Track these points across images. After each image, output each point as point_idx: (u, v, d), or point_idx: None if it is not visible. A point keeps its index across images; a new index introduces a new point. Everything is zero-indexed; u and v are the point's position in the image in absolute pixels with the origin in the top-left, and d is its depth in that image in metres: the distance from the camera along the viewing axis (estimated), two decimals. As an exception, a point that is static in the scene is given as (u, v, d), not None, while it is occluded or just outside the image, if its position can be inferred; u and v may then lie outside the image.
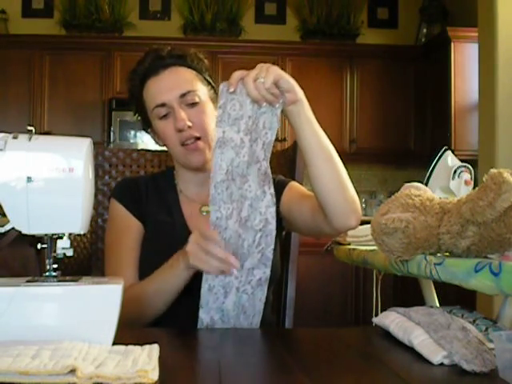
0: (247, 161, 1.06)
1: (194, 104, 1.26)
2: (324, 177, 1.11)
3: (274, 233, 1.10)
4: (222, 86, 1.04)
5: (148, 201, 1.34)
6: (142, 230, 1.31)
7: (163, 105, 1.26)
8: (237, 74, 1.04)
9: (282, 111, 1.08)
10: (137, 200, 1.33)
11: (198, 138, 1.26)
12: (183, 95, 1.25)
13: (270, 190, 1.09)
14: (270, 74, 1.01)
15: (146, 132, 1.39)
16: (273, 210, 1.09)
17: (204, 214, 1.32)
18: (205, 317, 1.09)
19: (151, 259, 1.24)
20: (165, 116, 1.27)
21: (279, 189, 1.28)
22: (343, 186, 1.12)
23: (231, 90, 1.03)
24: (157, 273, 1.18)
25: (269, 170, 1.09)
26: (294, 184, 1.34)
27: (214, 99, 1.30)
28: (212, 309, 1.08)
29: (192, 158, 1.27)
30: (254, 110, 1.04)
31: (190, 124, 1.25)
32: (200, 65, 1.32)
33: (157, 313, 1.18)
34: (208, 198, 1.25)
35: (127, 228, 1.31)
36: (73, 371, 0.67)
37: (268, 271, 1.10)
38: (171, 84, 1.26)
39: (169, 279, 1.15)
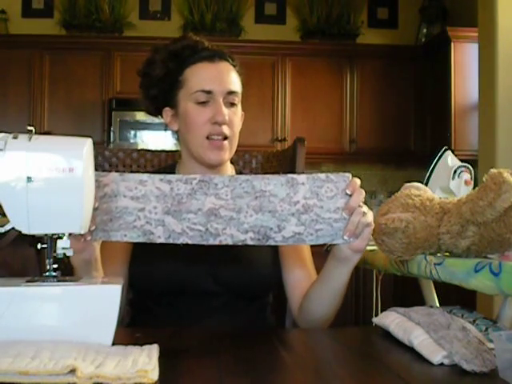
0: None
1: (233, 105, 1.27)
2: (321, 311, 1.17)
3: None
4: (344, 178, 0.99)
5: None
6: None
7: (209, 92, 1.24)
8: (358, 185, 1.00)
9: (334, 248, 1.05)
10: None
11: (226, 138, 1.25)
12: (230, 93, 1.26)
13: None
14: (369, 217, 1.00)
15: (155, 114, 1.35)
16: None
17: None
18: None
19: (149, 258, 1.24)
20: (203, 103, 1.24)
21: None
22: (332, 314, 1.19)
23: (348, 191, 0.98)
24: None
25: None
26: None
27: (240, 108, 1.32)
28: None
29: (212, 154, 1.25)
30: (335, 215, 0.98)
31: (227, 121, 1.24)
32: (242, 76, 1.32)
33: None
34: None
35: None
36: (73, 371, 0.67)
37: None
38: (225, 77, 1.26)
39: None
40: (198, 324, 1.20)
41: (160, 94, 1.30)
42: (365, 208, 1.00)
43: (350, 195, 0.98)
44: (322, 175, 0.98)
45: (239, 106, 1.30)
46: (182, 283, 1.21)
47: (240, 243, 0.98)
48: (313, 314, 1.19)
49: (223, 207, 0.97)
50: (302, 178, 0.98)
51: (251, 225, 0.97)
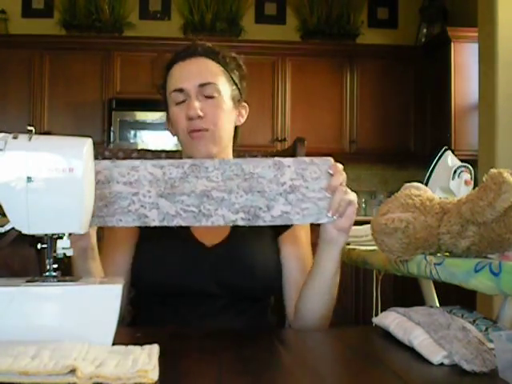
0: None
1: (211, 97, 1.25)
2: (315, 302, 1.17)
3: None
4: (327, 162, 1.04)
5: None
6: (138, 234, 1.28)
7: (181, 90, 1.24)
8: (340, 168, 1.05)
9: (321, 230, 1.09)
10: None
11: (207, 130, 1.24)
12: (203, 85, 1.24)
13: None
14: (351, 195, 1.05)
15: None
16: None
17: None
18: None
19: (152, 257, 1.24)
20: (181, 102, 1.25)
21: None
22: (327, 315, 1.19)
23: (330, 171, 1.04)
24: None
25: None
26: (300, 233, 1.32)
27: (236, 100, 1.30)
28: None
29: (195, 147, 1.25)
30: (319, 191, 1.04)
31: (201, 114, 1.23)
32: (232, 65, 1.30)
33: None
34: None
35: (121, 234, 1.28)
36: (73, 371, 0.67)
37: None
38: (194, 72, 1.25)
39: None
40: (200, 325, 1.20)
41: (164, 102, 1.34)
42: (347, 189, 1.05)
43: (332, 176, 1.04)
44: (307, 158, 1.04)
45: (224, 96, 1.26)
46: (183, 284, 1.21)
47: (231, 223, 1.03)
48: (306, 315, 1.18)
49: (215, 189, 1.02)
50: (287, 160, 1.04)
51: (242, 205, 1.02)
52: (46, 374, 0.67)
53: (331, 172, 1.04)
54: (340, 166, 1.05)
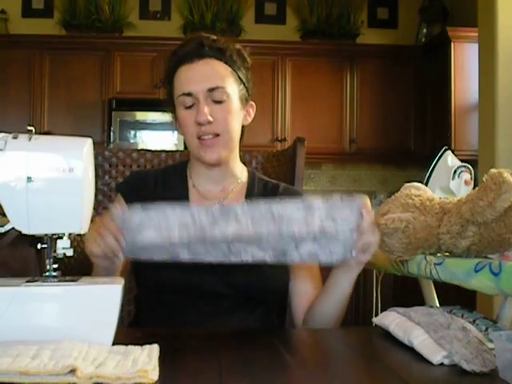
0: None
1: (220, 101, 1.23)
2: (324, 321, 1.19)
3: None
4: (358, 202, 1.02)
5: (156, 194, 1.29)
6: None
7: (189, 94, 1.23)
8: (369, 206, 1.04)
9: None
10: (144, 192, 1.29)
11: (217, 135, 1.23)
12: (211, 89, 1.22)
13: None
14: (377, 235, 1.04)
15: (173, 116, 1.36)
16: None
17: None
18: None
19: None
20: (190, 106, 1.24)
21: None
22: (334, 325, 1.21)
23: (362, 211, 1.01)
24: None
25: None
26: None
27: (243, 99, 1.29)
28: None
29: (205, 153, 1.24)
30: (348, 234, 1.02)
31: (211, 119, 1.22)
32: (239, 62, 1.29)
33: None
34: (220, 195, 1.28)
35: None
36: (73, 371, 0.67)
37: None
38: (202, 76, 1.23)
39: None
40: (207, 325, 1.20)
41: (169, 99, 1.31)
42: (374, 228, 1.04)
43: (362, 216, 1.01)
44: (337, 199, 1.01)
45: (233, 98, 1.25)
46: (193, 284, 1.21)
47: (260, 261, 1.02)
48: (315, 325, 1.20)
49: (244, 232, 1.01)
50: (317, 202, 1.01)
51: (271, 245, 1.02)
52: (46, 373, 0.67)
53: (363, 212, 1.01)
54: (369, 204, 1.03)
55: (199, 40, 1.26)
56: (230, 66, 1.26)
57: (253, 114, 1.34)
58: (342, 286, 1.14)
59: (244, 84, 1.29)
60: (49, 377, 0.67)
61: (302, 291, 1.27)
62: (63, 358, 0.71)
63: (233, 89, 1.26)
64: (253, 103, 1.34)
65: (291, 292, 1.28)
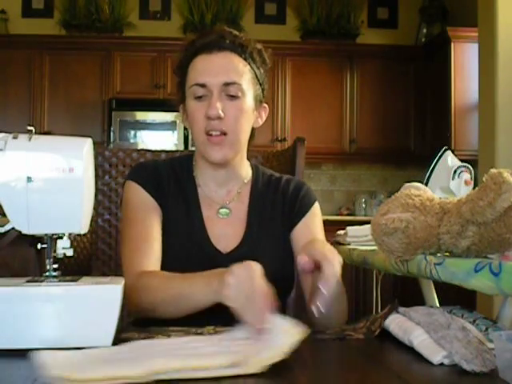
0: None
1: (234, 97, 1.18)
2: (323, 321, 1.09)
3: None
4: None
5: (169, 190, 1.25)
6: (161, 216, 1.23)
7: (203, 86, 1.18)
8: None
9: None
10: (158, 185, 1.24)
11: (225, 134, 1.18)
12: (227, 84, 1.17)
13: None
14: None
15: (176, 110, 1.31)
16: None
17: (221, 216, 1.26)
18: None
19: (168, 263, 1.19)
20: (200, 97, 1.19)
21: (300, 212, 1.26)
22: (342, 314, 1.21)
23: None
24: (192, 279, 1.06)
25: None
26: (311, 222, 1.28)
27: (258, 101, 1.25)
28: None
29: (211, 151, 1.20)
30: None
31: (221, 115, 1.17)
32: (258, 61, 1.25)
33: (166, 315, 1.08)
34: (226, 198, 1.25)
35: (148, 210, 1.21)
36: (235, 364, 0.71)
37: None
38: (220, 68, 1.18)
39: (197, 293, 1.03)
40: (204, 325, 1.19)
41: (179, 89, 1.26)
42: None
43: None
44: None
45: (247, 97, 1.20)
46: None
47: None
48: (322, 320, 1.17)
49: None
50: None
51: None
52: (217, 367, 0.71)
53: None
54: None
55: (221, 32, 1.22)
56: (249, 63, 1.23)
57: (264, 117, 1.29)
58: None
59: (260, 84, 1.26)
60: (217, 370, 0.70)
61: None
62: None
63: (249, 87, 1.21)
64: (266, 106, 1.30)
65: (299, 275, 1.22)
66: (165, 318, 1.08)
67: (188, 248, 1.21)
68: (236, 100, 1.19)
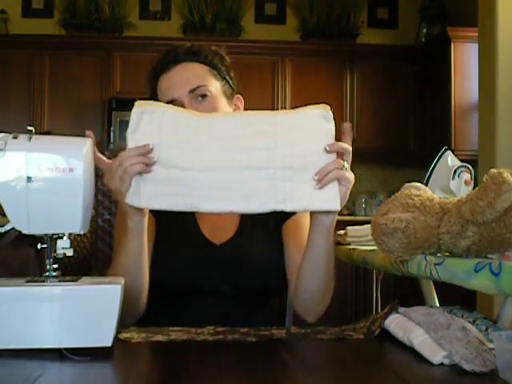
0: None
1: (204, 96, 1.24)
2: (311, 282, 1.15)
3: None
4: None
5: None
6: (154, 222, 1.26)
7: (173, 100, 1.23)
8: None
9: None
10: None
11: None
12: (193, 90, 1.23)
13: None
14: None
15: None
16: None
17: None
18: None
19: (161, 256, 1.22)
20: None
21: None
22: (324, 295, 1.19)
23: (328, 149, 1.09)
24: (119, 240, 1.16)
25: None
26: (301, 220, 1.31)
27: (228, 94, 1.29)
28: None
29: None
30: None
31: None
32: (216, 60, 1.30)
33: (135, 282, 1.11)
34: None
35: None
36: None
37: None
38: (181, 79, 1.25)
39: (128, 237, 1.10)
40: (204, 325, 1.20)
41: None
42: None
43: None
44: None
45: (216, 94, 1.26)
46: (194, 284, 1.21)
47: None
48: (304, 290, 1.18)
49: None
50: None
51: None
52: None
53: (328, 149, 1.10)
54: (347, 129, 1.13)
55: (173, 49, 1.29)
56: (206, 64, 1.28)
57: (241, 107, 1.34)
58: (317, 240, 1.10)
59: (225, 79, 1.30)
60: None
61: (293, 260, 1.24)
62: None
63: (214, 85, 1.26)
64: (239, 96, 1.34)
65: (285, 265, 1.27)
66: (139, 283, 1.13)
67: (182, 240, 1.24)
68: (207, 98, 1.24)
